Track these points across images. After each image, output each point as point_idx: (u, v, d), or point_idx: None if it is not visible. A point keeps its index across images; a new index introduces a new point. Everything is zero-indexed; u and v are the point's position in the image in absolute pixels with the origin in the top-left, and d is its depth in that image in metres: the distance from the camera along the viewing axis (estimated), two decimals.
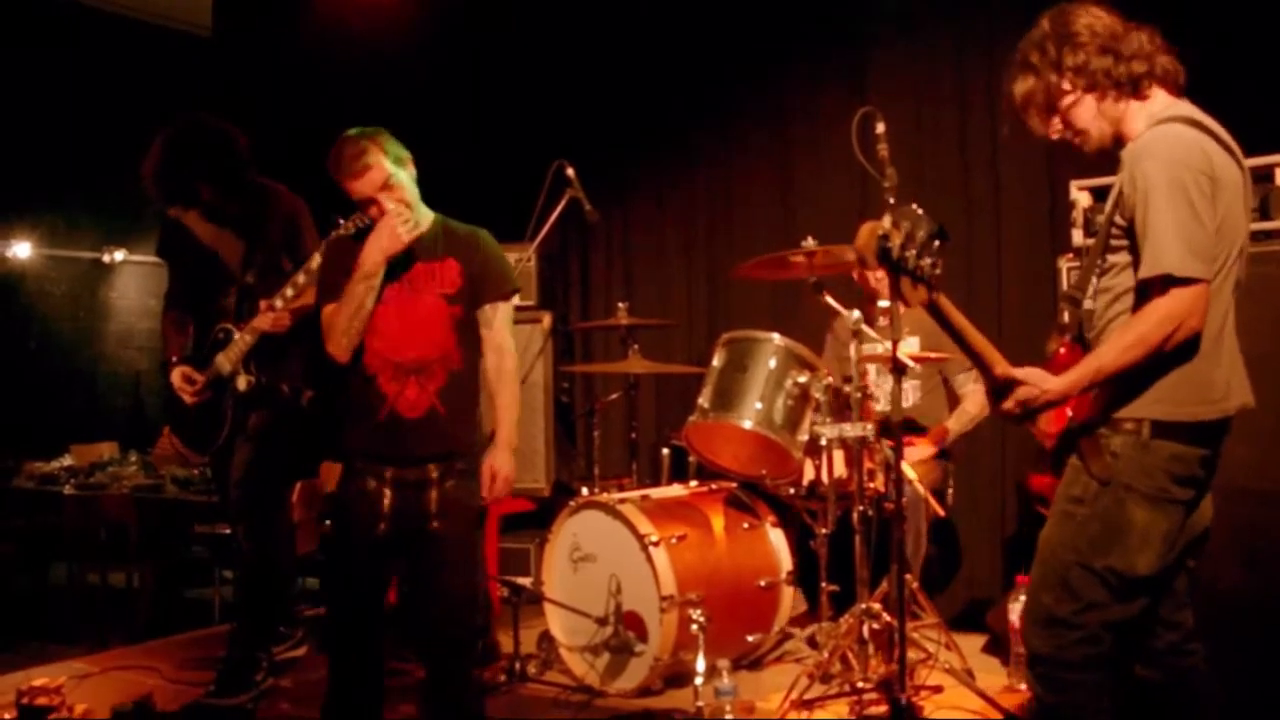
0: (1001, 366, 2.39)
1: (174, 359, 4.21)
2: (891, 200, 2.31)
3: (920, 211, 2.31)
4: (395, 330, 3.13)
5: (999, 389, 2.40)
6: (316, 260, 3.67)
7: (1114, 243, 2.44)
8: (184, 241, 4.22)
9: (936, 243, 2.31)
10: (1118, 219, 2.42)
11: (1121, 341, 2.33)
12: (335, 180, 3.14)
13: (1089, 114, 2.51)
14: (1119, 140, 2.51)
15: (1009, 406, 2.38)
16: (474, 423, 3.28)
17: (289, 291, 3.88)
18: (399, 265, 3.14)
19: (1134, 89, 2.47)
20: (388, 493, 3.13)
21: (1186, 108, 2.45)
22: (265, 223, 4.12)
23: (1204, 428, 2.37)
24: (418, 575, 3.17)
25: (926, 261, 2.30)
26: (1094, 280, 2.50)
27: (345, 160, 3.10)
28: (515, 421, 3.27)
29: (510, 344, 3.30)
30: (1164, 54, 2.49)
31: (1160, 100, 2.48)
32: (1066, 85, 2.49)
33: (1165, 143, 2.36)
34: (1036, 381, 2.36)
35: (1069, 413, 2.46)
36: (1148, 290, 2.31)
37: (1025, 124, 2.62)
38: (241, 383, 4.04)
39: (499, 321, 3.27)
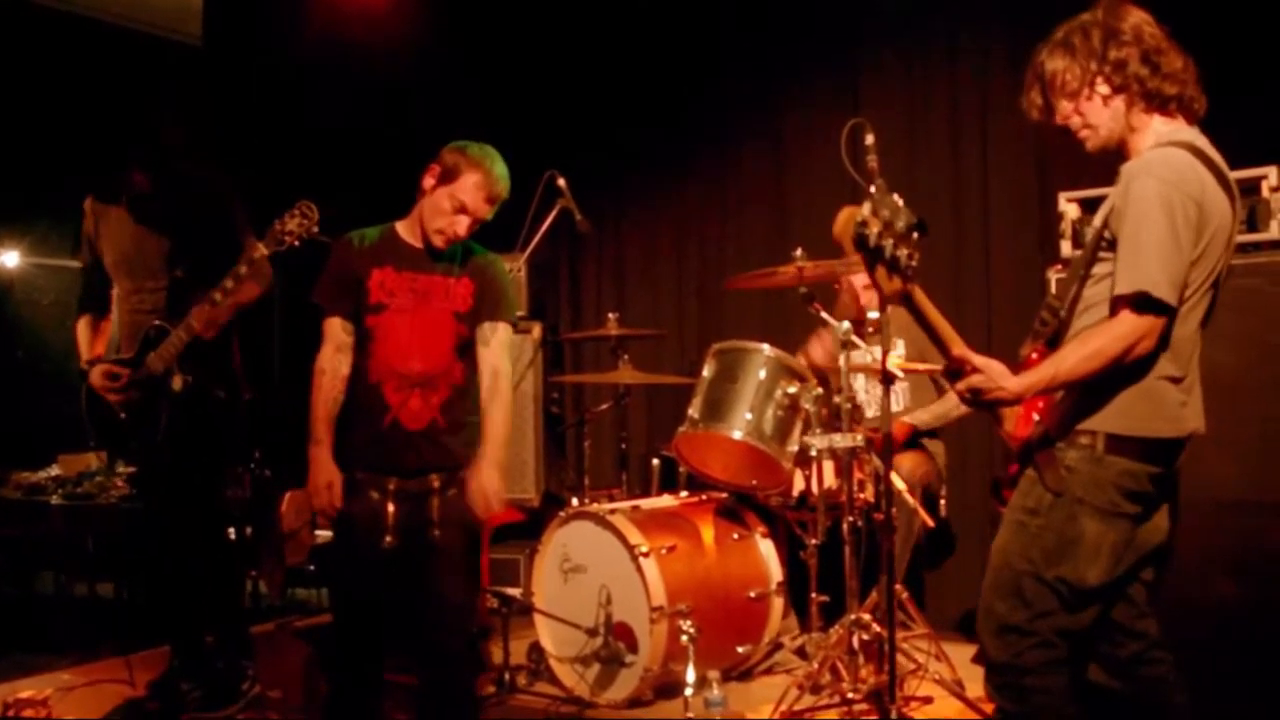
0: (960, 349, 2.40)
1: (88, 361, 4.05)
2: (872, 189, 2.28)
3: (900, 202, 2.30)
4: (405, 341, 3.13)
5: (955, 371, 2.41)
6: (259, 250, 3.63)
7: (1102, 254, 2.45)
8: (105, 238, 4.07)
9: (915, 235, 2.30)
10: (1106, 233, 2.43)
11: (1081, 351, 2.35)
12: (466, 191, 3.09)
13: (1109, 113, 2.50)
14: (1121, 149, 2.52)
15: (960, 389, 2.40)
16: (472, 436, 3.26)
17: (229, 283, 3.73)
18: (415, 275, 3.16)
19: (1161, 105, 2.47)
20: (391, 505, 3.11)
21: (1193, 134, 2.46)
22: (193, 211, 3.97)
23: (1158, 445, 2.40)
24: (417, 583, 3.15)
25: (904, 252, 2.28)
26: (1074, 289, 2.51)
27: (503, 185, 3.14)
28: (504, 441, 3.19)
29: (507, 367, 3.25)
30: (1194, 86, 2.49)
31: (1175, 125, 2.49)
32: (1100, 78, 2.47)
33: (1163, 164, 2.36)
34: (994, 376, 2.37)
35: (1035, 417, 2.47)
36: (1120, 303, 2.32)
37: (1044, 102, 2.59)
38: (176, 382, 3.87)
39: (496, 342, 3.23)
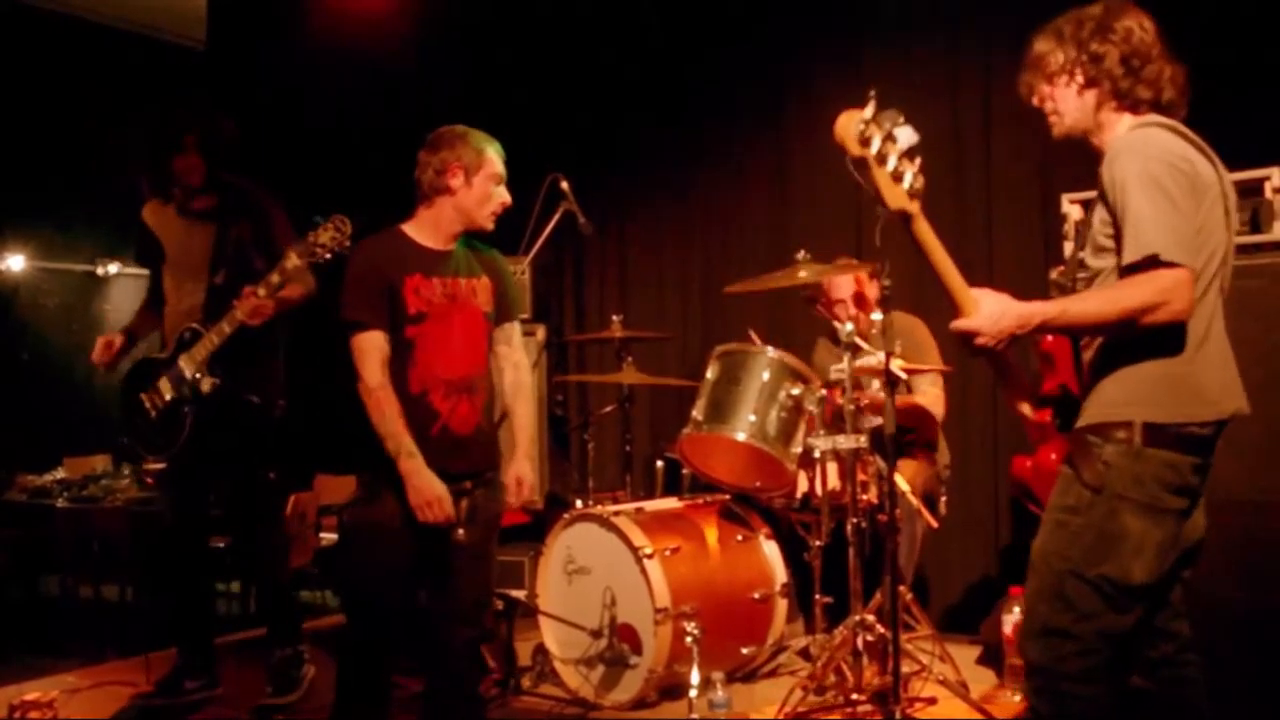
0: (969, 300, 2.36)
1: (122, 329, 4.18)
2: (872, 93, 2.26)
3: (901, 118, 2.28)
4: (446, 347, 3.13)
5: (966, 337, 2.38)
6: (293, 260, 3.63)
7: (1105, 241, 2.42)
8: (162, 236, 4.15)
9: (918, 157, 2.27)
10: (1098, 223, 2.42)
11: (1100, 294, 2.34)
12: (495, 165, 3.21)
13: (1077, 104, 2.52)
14: (1086, 140, 2.53)
15: (969, 327, 2.35)
16: (496, 434, 3.34)
17: (275, 279, 3.75)
18: (444, 280, 3.17)
19: (1133, 107, 2.48)
20: None
21: (1165, 118, 2.45)
22: (237, 220, 4.05)
23: (1197, 433, 2.36)
24: (434, 581, 3.17)
25: (908, 168, 2.26)
26: (1079, 279, 2.50)
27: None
28: (534, 435, 3.40)
29: (526, 361, 3.42)
30: (1176, 93, 2.48)
31: (1151, 114, 2.48)
32: (1078, 68, 2.49)
33: (1141, 142, 2.37)
34: (998, 303, 2.34)
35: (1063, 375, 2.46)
36: (1129, 273, 2.29)
37: (1027, 80, 2.61)
38: (205, 384, 3.91)
39: (517, 338, 3.38)
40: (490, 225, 3.24)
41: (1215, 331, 2.41)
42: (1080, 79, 2.50)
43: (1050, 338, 2.48)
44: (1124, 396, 2.37)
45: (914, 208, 2.30)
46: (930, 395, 4.56)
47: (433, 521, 3.03)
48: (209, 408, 3.96)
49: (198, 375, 3.93)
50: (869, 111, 2.23)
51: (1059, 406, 2.44)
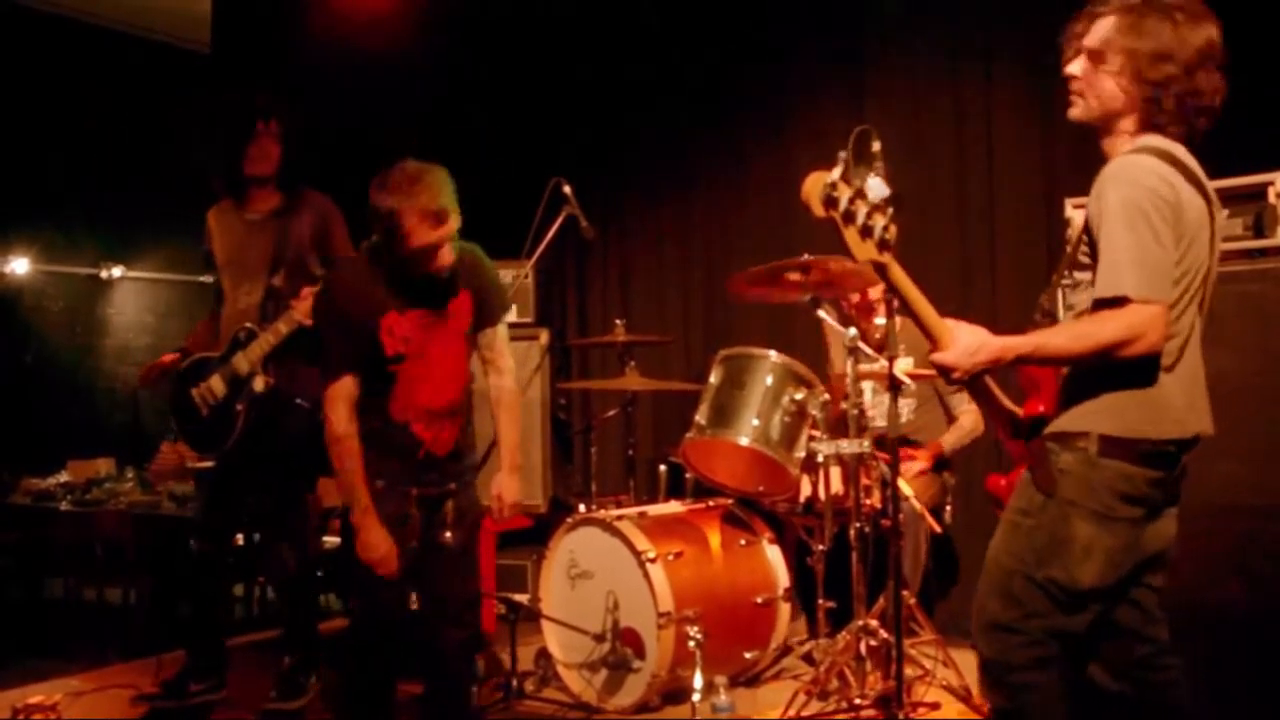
0: (945, 338, 2.37)
1: (177, 348, 4.21)
2: (842, 154, 2.29)
3: (874, 177, 2.30)
4: (427, 381, 3.12)
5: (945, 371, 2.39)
6: None
7: (1083, 259, 2.44)
8: (217, 239, 4.18)
9: (890, 208, 2.29)
10: (1084, 240, 2.42)
11: (1073, 329, 2.35)
12: (417, 237, 2.92)
13: (1109, 110, 2.45)
14: (1099, 130, 2.49)
15: (948, 361, 2.35)
16: (474, 442, 3.35)
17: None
18: (418, 312, 3.10)
19: (1152, 128, 2.43)
20: (414, 512, 3.15)
21: (1164, 141, 2.41)
22: (300, 222, 4.08)
23: (1156, 448, 2.37)
24: (424, 582, 3.18)
25: (879, 221, 2.27)
26: (1060, 295, 2.51)
27: (436, 185, 2.93)
28: (518, 444, 3.32)
29: (512, 364, 3.36)
30: (1206, 118, 2.43)
31: (1153, 136, 2.45)
32: (1130, 91, 2.40)
33: (1131, 169, 2.35)
34: (975, 338, 2.35)
35: (1040, 407, 2.47)
36: (1099, 307, 2.31)
37: (1075, 42, 2.50)
38: (259, 384, 3.93)
39: (499, 342, 3.32)
40: (442, 275, 3.05)
41: (1189, 353, 2.42)
42: (1128, 103, 2.42)
43: (1035, 368, 2.49)
44: (1088, 410, 2.39)
45: (885, 258, 2.33)
46: (971, 414, 4.64)
47: (377, 575, 3.07)
48: (262, 407, 3.98)
49: (252, 374, 3.95)
50: (836, 173, 2.26)
51: (1035, 430, 2.46)
